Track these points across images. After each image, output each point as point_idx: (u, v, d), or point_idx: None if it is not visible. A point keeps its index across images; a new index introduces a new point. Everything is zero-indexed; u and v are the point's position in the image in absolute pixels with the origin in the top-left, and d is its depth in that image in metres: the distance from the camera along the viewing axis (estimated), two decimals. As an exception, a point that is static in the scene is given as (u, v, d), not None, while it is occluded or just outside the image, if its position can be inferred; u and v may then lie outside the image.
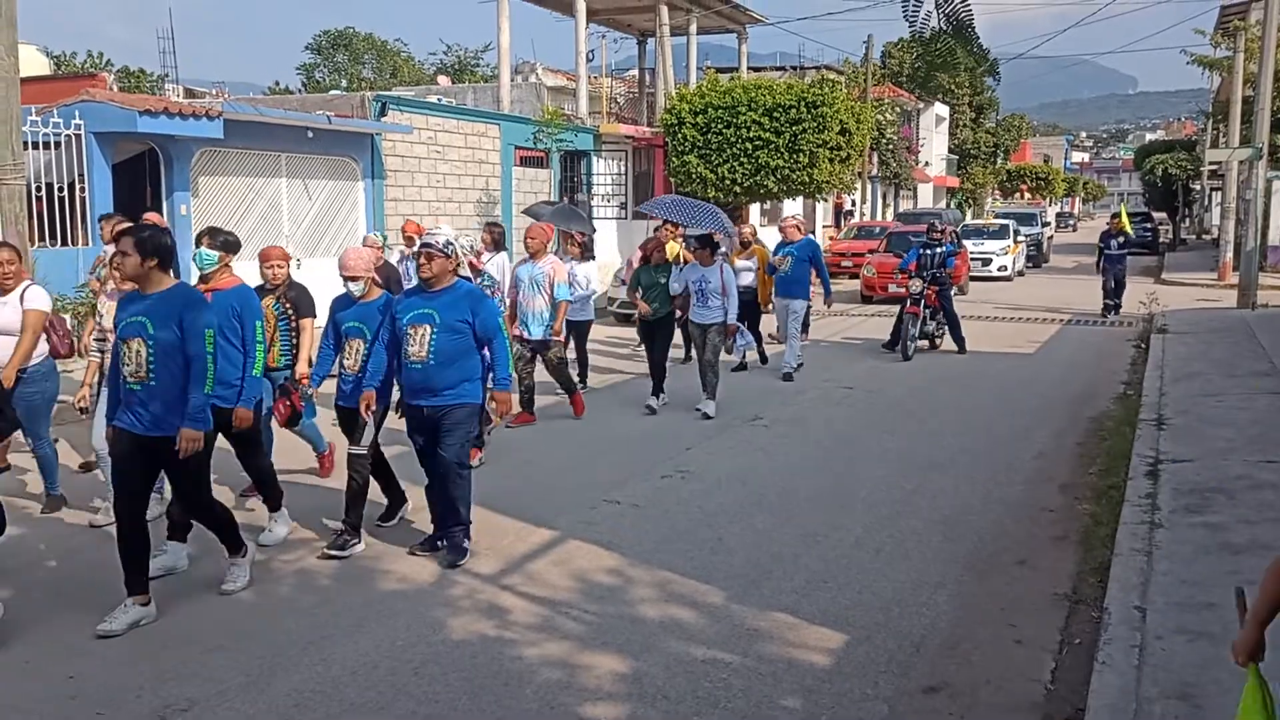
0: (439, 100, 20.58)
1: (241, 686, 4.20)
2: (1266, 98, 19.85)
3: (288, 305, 6.59)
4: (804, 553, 5.79)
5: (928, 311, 13.33)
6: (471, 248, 8.42)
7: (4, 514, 4.96)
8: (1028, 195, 62.77)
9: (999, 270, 25.19)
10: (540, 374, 9.30)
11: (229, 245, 5.84)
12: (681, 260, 10.83)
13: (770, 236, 15.12)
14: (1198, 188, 44.48)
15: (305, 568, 5.60)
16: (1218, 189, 36.96)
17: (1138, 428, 8.14)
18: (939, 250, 13.48)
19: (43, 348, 6.29)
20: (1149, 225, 38.77)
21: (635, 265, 10.76)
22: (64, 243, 12.27)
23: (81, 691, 4.18)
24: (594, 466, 7.79)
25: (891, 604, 5.04)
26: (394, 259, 11.60)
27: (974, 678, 4.29)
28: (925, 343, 13.57)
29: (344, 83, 51.47)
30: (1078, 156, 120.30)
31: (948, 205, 46.18)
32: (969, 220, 35.81)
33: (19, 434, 6.37)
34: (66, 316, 8.65)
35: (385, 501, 6.30)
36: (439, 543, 5.74)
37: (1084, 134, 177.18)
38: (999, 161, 56.14)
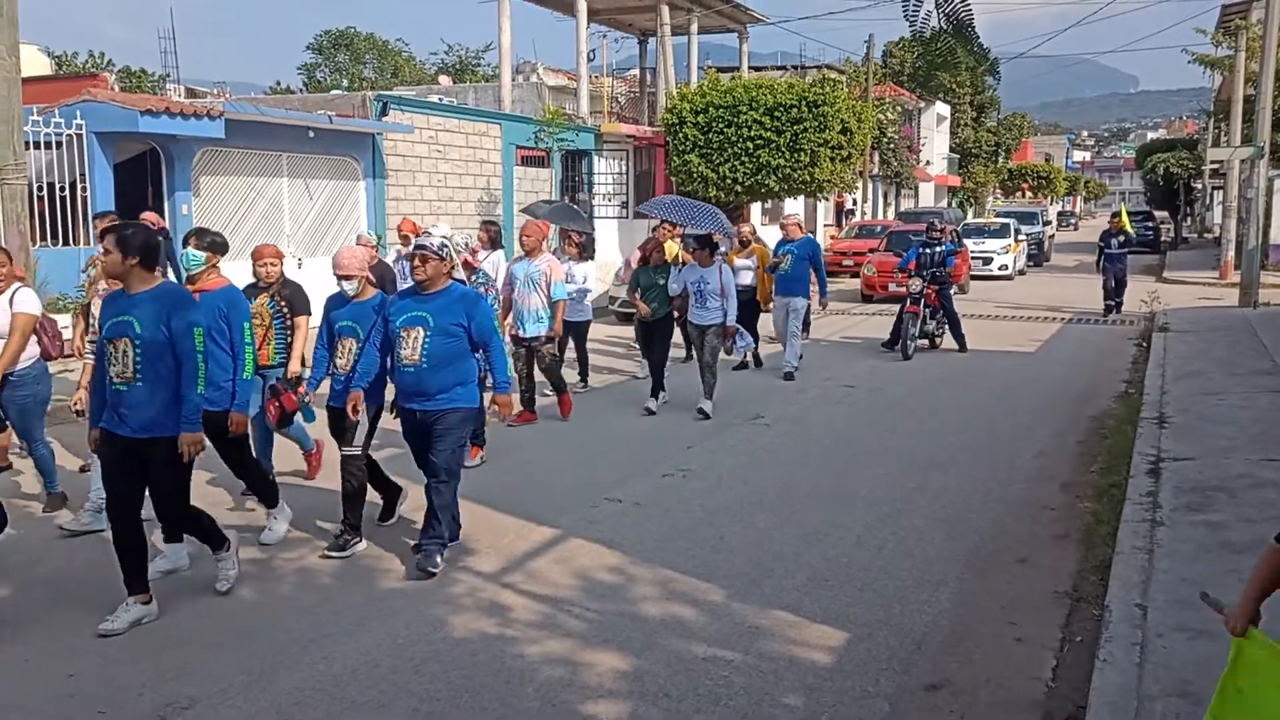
0: (440, 100, 20.60)
1: (243, 685, 4.20)
2: (1268, 96, 19.83)
3: (282, 303, 6.56)
4: (805, 551, 5.79)
5: (927, 311, 13.32)
6: (466, 244, 8.42)
7: (5, 512, 4.97)
8: (1029, 194, 62.74)
9: (1000, 269, 25.17)
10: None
11: (216, 246, 5.80)
12: (680, 261, 10.81)
13: (772, 236, 15.11)
14: (1199, 186, 44.46)
15: (306, 566, 5.60)
16: (1219, 188, 36.98)
17: (1139, 426, 8.14)
18: (938, 249, 13.48)
19: (33, 350, 6.24)
20: (1151, 224, 38.79)
21: (634, 266, 10.73)
22: (65, 242, 12.29)
23: (82, 690, 4.18)
24: (595, 465, 7.79)
25: (893, 602, 5.04)
26: (390, 258, 11.58)
27: (975, 675, 4.29)
28: (925, 342, 13.57)
29: (345, 82, 51.49)
30: (1079, 155, 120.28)
31: (949, 204, 46.18)
32: (970, 219, 35.81)
33: (15, 437, 6.38)
34: (67, 316, 8.64)
35: (381, 501, 6.28)
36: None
37: (1085, 133, 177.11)
38: (1000, 160, 56.13)
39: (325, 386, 6.09)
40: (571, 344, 10.67)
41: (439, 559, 5.45)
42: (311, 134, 15.08)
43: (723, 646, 4.53)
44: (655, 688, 4.17)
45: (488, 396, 5.95)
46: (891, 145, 36.91)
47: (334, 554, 5.67)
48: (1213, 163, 31.26)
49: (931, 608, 4.98)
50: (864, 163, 29.91)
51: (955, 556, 5.71)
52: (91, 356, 6.39)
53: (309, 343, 6.47)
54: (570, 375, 10.82)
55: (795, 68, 35.85)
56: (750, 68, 31.18)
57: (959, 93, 48.77)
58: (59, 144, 12.17)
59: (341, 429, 5.78)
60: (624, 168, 23.49)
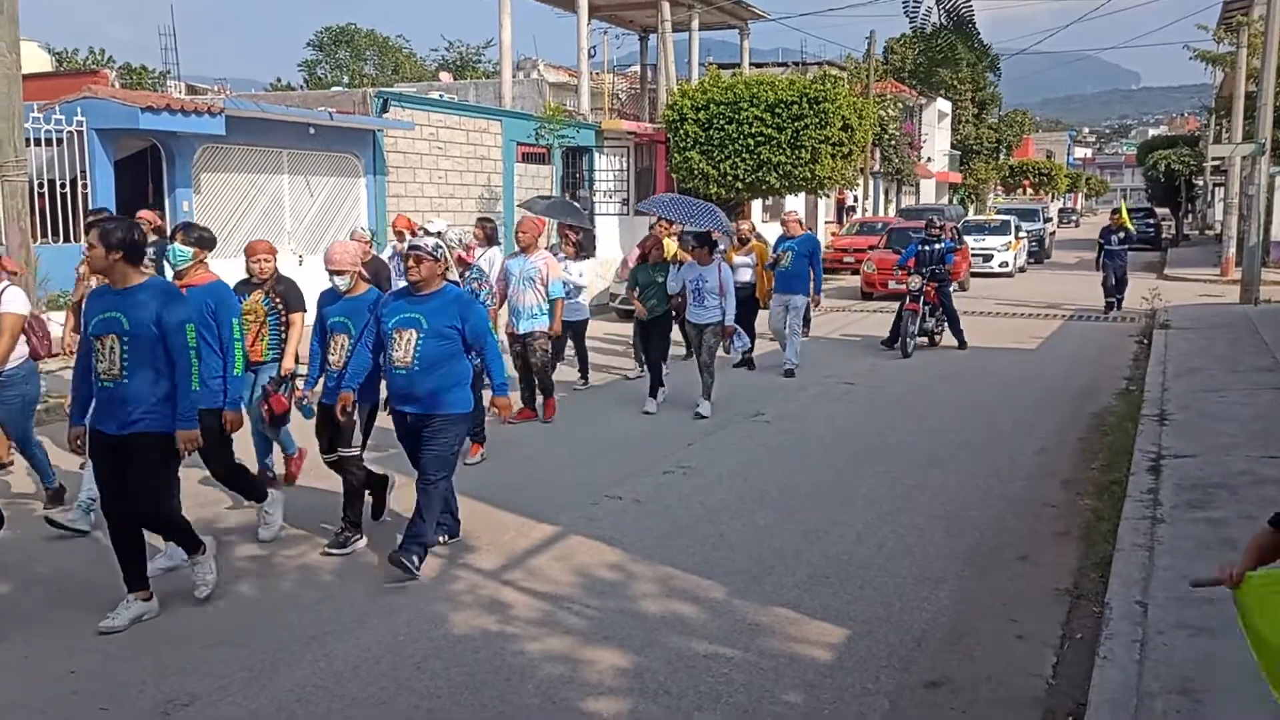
0: (441, 97, 20.57)
1: (244, 681, 4.20)
2: (1269, 93, 19.80)
3: (277, 300, 6.55)
4: (805, 548, 5.80)
5: (927, 308, 13.31)
6: (460, 240, 8.40)
7: (0, 513, 4.95)
8: (1030, 191, 62.66)
9: (1000, 266, 25.14)
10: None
11: (204, 241, 5.73)
12: (678, 259, 10.79)
13: (772, 233, 15.09)
14: (1200, 183, 44.47)
15: (307, 564, 5.61)
16: (1220, 184, 36.92)
17: (1140, 423, 8.14)
18: (938, 246, 13.47)
19: (22, 350, 6.22)
20: (1152, 221, 38.69)
21: (632, 264, 10.70)
22: (66, 239, 12.28)
23: (83, 687, 4.18)
24: (595, 462, 7.79)
25: (893, 599, 5.05)
26: (386, 255, 11.57)
27: (975, 673, 4.29)
28: (924, 339, 13.56)
29: (346, 79, 51.40)
30: (1080, 152, 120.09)
31: (950, 201, 46.10)
32: (971, 216, 35.77)
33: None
34: (67, 314, 8.63)
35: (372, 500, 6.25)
36: (442, 537, 5.74)
37: (1087, 129, 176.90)
38: (1001, 157, 56.06)
39: (322, 384, 6.09)
40: (571, 343, 10.66)
41: (415, 558, 5.30)
42: (312, 131, 15.06)
43: (723, 644, 4.54)
44: (655, 685, 4.17)
45: (487, 395, 5.95)
46: (893, 142, 36.86)
47: (335, 551, 5.68)
48: (1214, 159, 31.17)
49: (932, 605, 4.99)
50: (865, 159, 29.89)
51: (955, 554, 5.71)
52: None
53: (303, 340, 6.45)
54: (571, 373, 10.84)
55: (796, 64, 35.82)
56: (751, 64, 31.16)
57: (960, 89, 48.69)
58: (60, 141, 12.16)
59: (333, 427, 5.72)
60: (625, 164, 23.47)
